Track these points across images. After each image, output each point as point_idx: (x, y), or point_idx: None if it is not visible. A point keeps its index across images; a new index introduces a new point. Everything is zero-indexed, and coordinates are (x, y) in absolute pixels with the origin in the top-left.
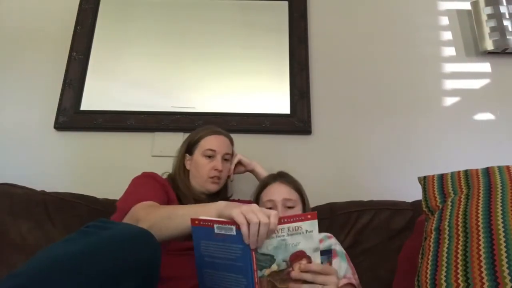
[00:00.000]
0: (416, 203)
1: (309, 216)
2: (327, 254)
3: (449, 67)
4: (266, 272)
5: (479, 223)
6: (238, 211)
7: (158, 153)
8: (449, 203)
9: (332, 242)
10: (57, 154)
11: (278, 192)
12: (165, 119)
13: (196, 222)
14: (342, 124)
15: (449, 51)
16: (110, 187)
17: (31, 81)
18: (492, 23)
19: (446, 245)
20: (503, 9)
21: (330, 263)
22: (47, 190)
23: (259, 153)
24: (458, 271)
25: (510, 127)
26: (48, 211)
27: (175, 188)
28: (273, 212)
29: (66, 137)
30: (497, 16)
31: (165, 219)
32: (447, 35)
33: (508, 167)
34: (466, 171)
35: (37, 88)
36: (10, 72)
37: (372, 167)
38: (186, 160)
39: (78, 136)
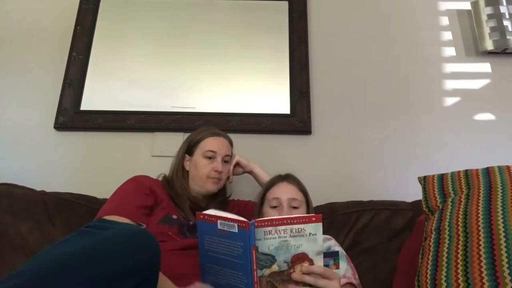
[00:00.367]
0: (416, 203)
1: (313, 219)
2: (333, 256)
3: (449, 67)
4: (266, 272)
5: (480, 223)
6: None
7: (158, 153)
8: (449, 203)
9: (332, 244)
10: (57, 154)
11: (285, 191)
12: (165, 119)
13: (201, 216)
14: (342, 124)
15: (449, 51)
16: (110, 187)
17: (31, 81)
18: (492, 23)
19: (446, 245)
20: (503, 9)
21: (337, 266)
22: (47, 190)
23: (259, 153)
24: (458, 271)
25: (510, 127)
26: (48, 211)
27: (169, 188)
28: None
29: (66, 137)
30: (497, 16)
31: None
32: (447, 35)
33: (508, 167)
34: (466, 171)
35: (37, 88)
36: (10, 72)
37: (372, 167)
38: (185, 161)
39: (78, 136)
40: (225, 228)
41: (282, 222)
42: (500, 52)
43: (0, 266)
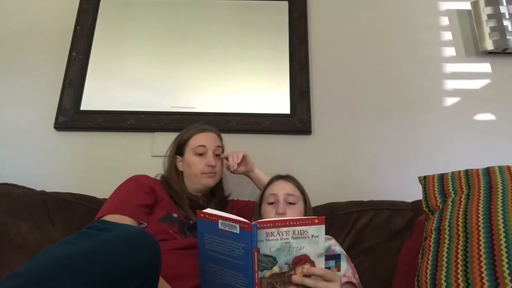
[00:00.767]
0: (416, 203)
1: (316, 221)
2: (334, 258)
3: (449, 67)
4: (267, 273)
5: (480, 223)
6: None
7: (158, 153)
8: (450, 203)
9: (332, 243)
10: (57, 154)
11: (281, 187)
12: (165, 119)
13: (202, 215)
14: (342, 124)
15: (449, 51)
16: (110, 187)
17: (31, 81)
18: (492, 23)
19: (446, 245)
20: (503, 9)
21: (339, 268)
22: (47, 190)
23: (259, 153)
24: (458, 271)
25: (510, 127)
26: (48, 211)
27: (168, 187)
28: None
29: (66, 137)
30: (497, 16)
31: None
32: (447, 35)
33: (508, 167)
34: (466, 171)
35: (37, 88)
36: (10, 72)
37: (372, 167)
38: (177, 162)
39: (78, 136)
40: (226, 228)
41: (284, 223)
42: (500, 52)
43: (0, 266)
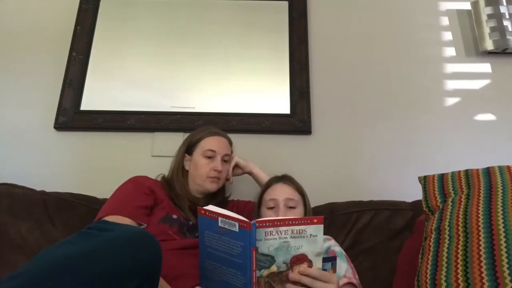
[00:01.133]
0: (416, 203)
1: (315, 221)
2: (331, 260)
3: (449, 67)
4: (265, 272)
5: (480, 223)
6: None
7: (158, 153)
8: (450, 203)
9: (332, 244)
10: (57, 154)
11: (281, 191)
12: (165, 119)
13: (202, 212)
14: (342, 124)
15: (449, 51)
16: (110, 187)
17: (31, 81)
18: (492, 23)
19: (446, 245)
20: (503, 9)
21: (334, 270)
22: (47, 190)
23: (259, 153)
24: (458, 271)
25: (510, 127)
26: (48, 211)
27: (169, 189)
28: None
29: (66, 137)
30: (497, 16)
31: None
32: (447, 35)
33: (508, 167)
34: (466, 171)
35: (37, 88)
36: (10, 72)
37: (372, 167)
38: (185, 160)
39: (78, 136)
40: (226, 226)
41: (283, 223)
42: (500, 52)
43: (0, 266)
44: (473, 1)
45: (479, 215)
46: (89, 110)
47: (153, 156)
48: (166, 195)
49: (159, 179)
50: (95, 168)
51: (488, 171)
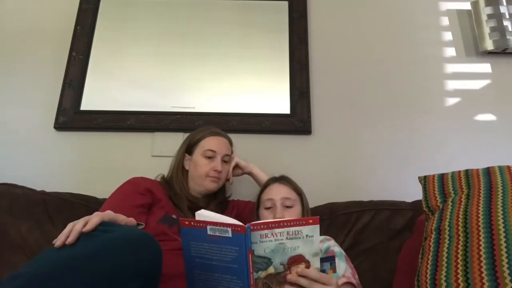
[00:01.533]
0: (416, 203)
1: (310, 221)
2: (329, 260)
3: (449, 67)
4: (262, 274)
5: (480, 223)
6: None
7: (158, 153)
8: (450, 203)
9: (331, 244)
10: (57, 154)
11: (278, 191)
12: (165, 119)
13: (186, 223)
14: (342, 124)
15: (449, 51)
16: (110, 187)
17: (31, 81)
18: (492, 23)
19: (446, 245)
20: (503, 9)
21: (334, 270)
22: (47, 190)
23: (259, 153)
24: (458, 271)
25: (510, 127)
26: (48, 211)
27: (168, 189)
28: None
29: (66, 137)
30: (497, 16)
31: None
32: (447, 35)
33: (508, 167)
34: (466, 171)
35: (37, 88)
36: (10, 72)
37: (372, 167)
38: (185, 160)
39: (78, 136)
40: (217, 233)
41: (278, 224)
42: (500, 52)
43: (0, 266)
44: (473, 1)
45: (479, 215)
46: (89, 110)
47: (153, 156)
48: (165, 195)
49: (158, 179)
50: (95, 168)
51: (488, 171)
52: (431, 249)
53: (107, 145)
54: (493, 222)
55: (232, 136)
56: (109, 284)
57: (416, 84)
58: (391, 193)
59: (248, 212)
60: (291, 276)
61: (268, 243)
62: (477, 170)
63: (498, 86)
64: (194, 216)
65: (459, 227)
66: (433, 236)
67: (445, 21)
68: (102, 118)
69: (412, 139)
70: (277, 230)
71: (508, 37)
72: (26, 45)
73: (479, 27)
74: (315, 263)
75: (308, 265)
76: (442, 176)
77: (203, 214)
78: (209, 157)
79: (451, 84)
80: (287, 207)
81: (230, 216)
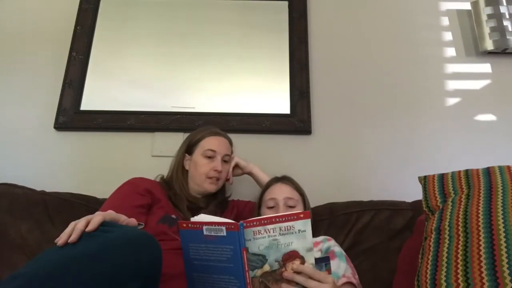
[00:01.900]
0: (416, 203)
1: (301, 216)
2: (324, 261)
3: (449, 67)
4: (258, 272)
5: (480, 223)
6: None
7: (158, 153)
8: (450, 203)
9: (331, 244)
10: (57, 154)
11: (280, 191)
12: (165, 119)
13: (184, 225)
14: (342, 124)
15: (449, 51)
16: (110, 187)
17: (31, 81)
18: (492, 23)
19: (446, 245)
20: (503, 9)
21: (329, 271)
22: (47, 190)
23: (259, 153)
24: (458, 271)
25: (510, 127)
26: (48, 211)
27: (167, 188)
28: (94, 218)
29: (66, 137)
30: (497, 16)
31: None
32: (447, 35)
33: (509, 167)
34: (466, 171)
35: (37, 88)
36: (10, 72)
37: (372, 167)
38: (185, 160)
39: (78, 136)
40: (212, 233)
41: (270, 221)
42: (500, 52)
43: (0, 266)
44: (473, 1)
45: (479, 215)
46: (89, 110)
47: (153, 156)
48: (165, 195)
49: (158, 179)
50: (95, 168)
51: (488, 171)
52: (431, 249)
53: (107, 145)
54: (493, 222)
55: (232, 136)
56: (109, 284)
57: (416, 84)
58: (391, 193)
59: (248, 212)
60: (287, 274)
61: (261, 239)
62: (477, 170)
63: (498, 86)
64: (193, 215)
65: (459, 227)
66: (433, 236)
67: (445, 21)
68: (102, 118)
69: (412, 139)
70: (270, 226)
71: (508, 37)
72: (26, 45)
73: (479, 27)
74: (310, 258)
75: (302, 261)
76: (442, 176)
77: (200, 218)
78: (209, 157)
79: (451, 84)
80: (290, 206)
81: (230, 216)
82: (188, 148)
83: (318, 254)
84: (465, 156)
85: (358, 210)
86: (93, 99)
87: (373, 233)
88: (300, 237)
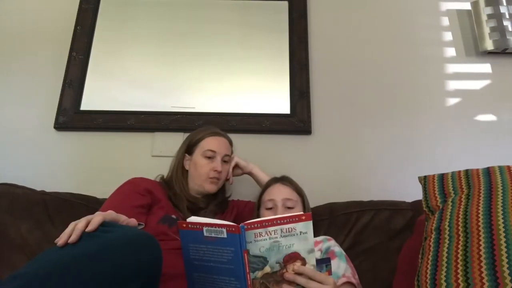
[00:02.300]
0: (416, 203)
1: (303, 217)
2: (325, 262)
3: (449, 67)
4: (259, 274)
5: (480, 223)
6: None
7: (158, 153)
8: (450, 203)
9: (331, 244)
10: (57, 154)
11: (279, 192)
12: (165, 119)
13: (184, 225)
14: (342, 124)
15: (449, 51)
16: (110, 187)
17: (31, 81)
18: (492, 23)
19: (446, 245)
20: (503, 9)
21: (330, 272)
22: (47, 190)
23: (259, 153)
24: (458, 271)
25: (510, 127)
26: (48, 211)
27: (167, 189)
28: (94, 218)
29: (66, 137)
30: (497, 16)
31: None
32: (447, 35)
33: (509, 167)
34: (466, 171)
35: (37, 88)
36: (10, 72)
37: (372, 167)
38: (185, 160)
39: (78, 136)
40: (213, 235)
41: (272, 223)
42: (500, 52)
43: (0, 266)
44: (473, 1)
45: (479, 215)
46: (89, 110)
47: (153, 156)
48: (165, 196)
49: (158, 179)
50: (95, 168)
51: (488, 171)
52: (431, 249)
53: (107, 145)
54: (493, 222)
55: (232, 136)
56: (109, 284)
57: (416, 84)
58: (391, 193)
59: (248, 212)
60: (289, 275)
61: (263, 242)
62: (477, 170)
63: (498, 86)
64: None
65: (459, 227)
66: (433, 236)
67: (445, 21)
68: (102, 118)
69: (412, 139)
70: (271, 228)
71: (508, 37)
72: (26, 45)
73: (479, 27)
74: (311, 259)
75: (304, 263)
76: (442, 176)
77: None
78: (209, 157)
79: (451, 84)
80: (289, 208)
81: (230, 216)
82: (188, 148)
83: (318, 254)
84: (465, 156)
85: (358, 210)
86: (93, 99)
87: (373, 233)
88: (301, 239)
